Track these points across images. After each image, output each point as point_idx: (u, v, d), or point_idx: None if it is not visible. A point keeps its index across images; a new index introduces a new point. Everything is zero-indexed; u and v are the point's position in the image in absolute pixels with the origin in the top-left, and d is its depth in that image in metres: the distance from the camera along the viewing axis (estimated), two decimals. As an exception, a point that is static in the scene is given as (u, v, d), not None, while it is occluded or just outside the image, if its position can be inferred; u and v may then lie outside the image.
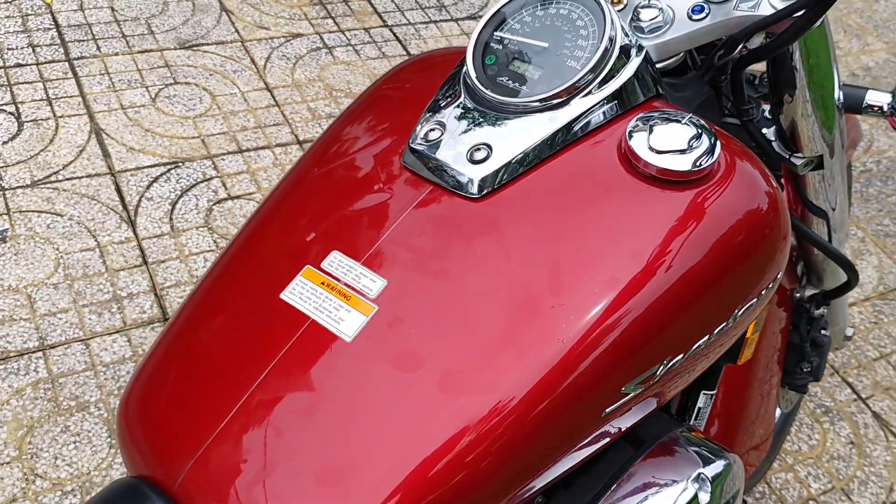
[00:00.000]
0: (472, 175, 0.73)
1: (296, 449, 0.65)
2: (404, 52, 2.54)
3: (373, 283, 0.70)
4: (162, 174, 2.01)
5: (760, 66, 0.98)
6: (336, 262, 0.72)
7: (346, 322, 0.68)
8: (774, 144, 1.01)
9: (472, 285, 0.69)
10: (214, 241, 1.88)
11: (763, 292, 0.76)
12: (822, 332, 1.36)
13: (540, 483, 0.69)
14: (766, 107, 1.03)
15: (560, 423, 0.67)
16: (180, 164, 2.04)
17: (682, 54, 0.91)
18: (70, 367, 1.62)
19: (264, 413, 0.67)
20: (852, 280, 1.16)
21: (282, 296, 0.71)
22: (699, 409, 1.01)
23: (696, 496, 0.75)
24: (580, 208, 0.72)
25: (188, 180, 2.00)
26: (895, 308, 2.13)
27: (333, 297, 0.70)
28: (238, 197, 1.99)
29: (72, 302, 1.72)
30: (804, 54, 0.89)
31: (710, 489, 0.75)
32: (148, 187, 1.97)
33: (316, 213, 0.78)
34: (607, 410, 0.69)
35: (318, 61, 2.42)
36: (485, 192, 0.73)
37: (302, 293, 0.71)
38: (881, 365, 1.99)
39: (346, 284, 0.70)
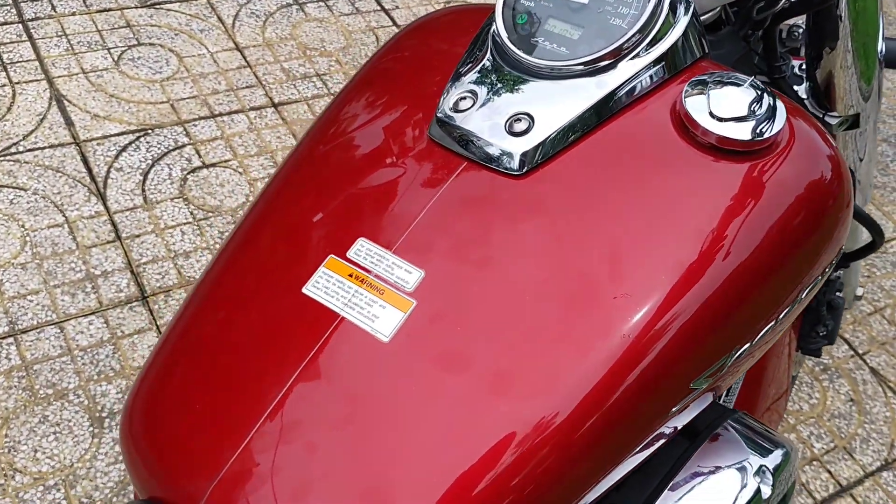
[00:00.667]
0: (513, 148, 0.65)
1: (331, 466, 0.58)
2: (378, 7, 2.42)
3: (408, 275, 0.62)
4: (130, 143, 1.89)
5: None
6: (364, 250, 0.64)
7: (381, 319, 0.61)
8: (807, 103, 0.95)
9: (521, 275, 0.62)
10: (191, 213, 1.78)
11: (827, 269, 0.70)
12: (837, 294, 1.32)
13: (596, 493, 0.63)
14: (796, 62, 0.97)
15: (625, 425, 0.60)
16: (149, 131, 1.92)
17: (717, 9, 0.84)
18: (44, 352, 1.53)
19: (294, 425, 0.60)
20: (877, 241, 1.11)
21: (304, 290, 0.64)
22: (730, 386, 0.96)
23: (758, 490, 0.69)
24: (635, 183, 0.64)
25: (159, 148, 1.89)
26: (887, 261, 2.11)
27: (364, 290, 0.62)
28: (213, 165, 1.89)
29: (42, 282, 1.62)
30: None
31: (771, 482, 0.70)
32: (116, 157, 1.86)
33: (333, 196, 0.69)
34: (673, 410, 0.63)
35: (289, 18, 2.30)
36: (527, 167, 0.65)
37: (327, 287, 0.63)
38: (876, 319, 1.97)
39: (377, 276, 0.63)
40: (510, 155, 0.65)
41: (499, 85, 0.68)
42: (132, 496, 1.30)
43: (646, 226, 0.62)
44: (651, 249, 0.62)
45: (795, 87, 0.94)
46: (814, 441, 1.72)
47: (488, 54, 0.71)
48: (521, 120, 0.66)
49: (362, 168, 0.71)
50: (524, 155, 0.65)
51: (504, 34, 0.70)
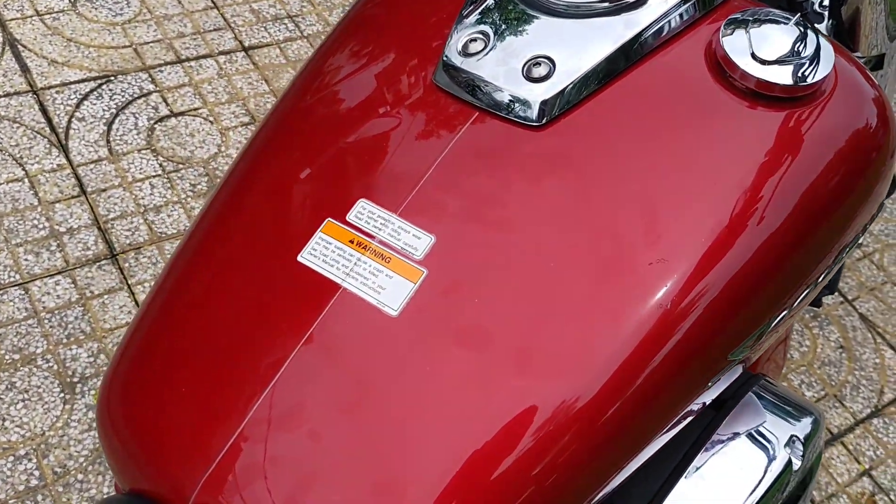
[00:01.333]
0: (532, 96, 0.58)
1: (337, 454, 0.52)
2: (350, -56, 2.30)
3: (417, 241, 0.56)
4: (92, 90, 1.78)
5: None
6: (365, 213, 0.57)
7: (388, 291, 0.55)
8: (829, 42, 0.89)
9: (544, 239, 0.55)
10: (160, 165, 1.69)
11: (868, 225, 0.65)
12: (840, 242, 1.27)
13: (621, 478, 0.58)
14: (817, -2, 0.90)
15: (657, 403, 0.55)
16: (112, 77, 1.81)
17: (741, -62, 0.77)
18: (9, 315, 1.44)
19: (294, 409, 0.53)
20: (891, 189, 1.06)
21: (300, 258, 0.57)
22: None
23: (789, 462, 0.65)
24: (667, 134, 0.58)
25: (123, 96, 1.78)
26: (874, 205, 2.08)
27: (368, 258, 0.56)
28: (182, 113, 1.78)
29: (3, 241, 1.52)
30: None
31: (802, 452, 0.66)
32: (78, 106, 1.75)
33: (328, 153, 0.62)
34: (709, 384, 0.57)
35: (256, -44, 2.17)
36: (548, 117, 0.58)
37: (326, 254, 0.57)
38: (865, 265, 1.94)
39: (382, 242, 0.56)
40: (529, 103, 0.58)
41: (513, 25, 0.61)
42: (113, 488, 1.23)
43: (680, 182, 0.56)
44: (687, 209, 0.56)
45: (816, 25, 0.88)
46: (805, 389, 1.70)
47: (498, -10, 0.63)
48: (540, 64, 0.59)
49: (359, 121, 0.63)
50: (545, 103, 0.58)
51: (516, -33, 0.62)
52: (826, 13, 0.87)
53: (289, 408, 0.53)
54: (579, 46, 0.59)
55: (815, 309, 1.80)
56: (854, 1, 0.82)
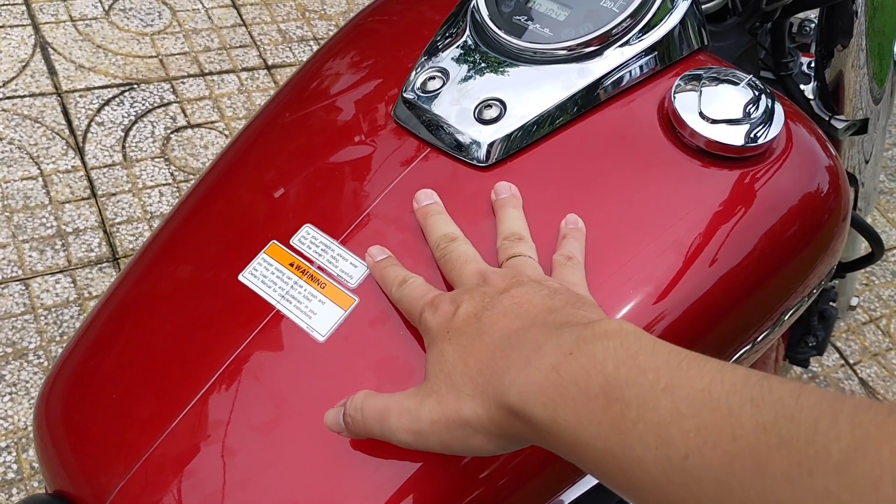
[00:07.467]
0: (481, 137, 0.59)
1: (248, 473, 0.53)
2: (384, -28, 2.34)
3: (353, 269, 0.57)
4: (114, 96, 1.82)
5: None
6: (309, 238, 0.58)
7: (318, 316, 0.55)
8: (813, 104, 0.88)
9: (477, 277, 0.56)
10: (171, 174, 1.72)
11: (816, 288, 0.65)
12: (831, 304, 1.26)
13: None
14: (805, 59, 0.90)
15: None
16: (135, 85, 1.86)
17: (724, -4, 0.77)
18: (7, 309, 1.47)
19: (213, 425, 0.54)
20: (876, 253, 1.05)
21: (240, 277, 0.58)
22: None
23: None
24: (610, 185, 0.58)
25: (144, 104, 1.83)
26: (887, 270, 2.05)
27: (305, 283, 0.57)
28: (199, 125, 1.82)
29: (10, 236, 1.56)
30: None
31: None
32: (98, 111, 1.79)
33: (285, 174, 0.64)
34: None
35: (289, -23, 2.22)
36: (494, 158, 0.59)
37: (265, 275, 0.58)
38: (870, 329, 1.92)
39: (320, 268, 0.57)
40: (477, 144, 0.59)
41: (473, 66, 0.62)
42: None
43: (617, 231, 0.57)
44: (622, 258, 0.56)
45: (802, 87, 0.88)
46: (796, 452, 1.67)
47: (465, 31, 0.65)
48: (491, 106, 0.59)
49: (320, 147, 0.65)
50: (492, 145, 0.59)
51: (484, 10, 0.63)
52: (812, 74, 0.87)
53: (209, 423, 0.54)
54: (532, 91, 0.60)
55: (804, 368, 1.77)
56: (837, 64, 0.82)
